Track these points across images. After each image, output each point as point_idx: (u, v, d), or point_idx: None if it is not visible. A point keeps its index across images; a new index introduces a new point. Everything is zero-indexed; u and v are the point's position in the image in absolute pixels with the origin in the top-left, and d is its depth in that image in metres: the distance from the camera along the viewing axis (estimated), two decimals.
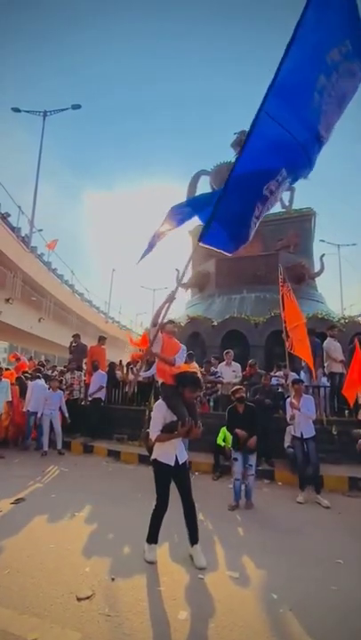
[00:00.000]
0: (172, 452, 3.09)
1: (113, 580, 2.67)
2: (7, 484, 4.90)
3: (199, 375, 3.46)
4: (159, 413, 3.09)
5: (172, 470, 3.07)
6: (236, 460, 4.49)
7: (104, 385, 7.73)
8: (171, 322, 3.72)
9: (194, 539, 3.02)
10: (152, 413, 3.21)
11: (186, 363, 3.69)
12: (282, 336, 6.63)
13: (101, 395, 7.74)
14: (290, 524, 3.93)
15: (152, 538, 3.03)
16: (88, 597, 2.42)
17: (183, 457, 3.15)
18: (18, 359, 10.26)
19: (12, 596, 2.42)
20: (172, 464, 3.05)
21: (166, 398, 3.16)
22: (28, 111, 23.27)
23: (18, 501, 4.23)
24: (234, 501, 4.34)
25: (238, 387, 5.07)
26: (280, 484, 5.40)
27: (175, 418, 3.04)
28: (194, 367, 3.21)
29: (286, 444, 5.67)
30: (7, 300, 18.45)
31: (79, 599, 2.40)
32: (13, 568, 2.77)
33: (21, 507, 4.12)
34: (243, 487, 4.42)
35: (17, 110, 23.15)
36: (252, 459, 4.47)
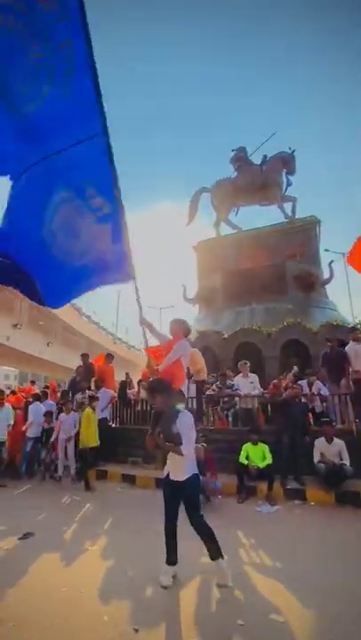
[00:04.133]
0: (167, 465, 2.94)
1: (136, 631, 2.23)
2: (16, 516, 4.48)
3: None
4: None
5: (167, 485, 2.88)
6: None
7: (110, 401, 7.45)
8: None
9: (211, 555, 2.75)
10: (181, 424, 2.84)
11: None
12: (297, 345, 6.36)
13: (106, 414, 7.42)
14: (333, 552, 3.42)
15: (168, 558, 2.85)
16: None
17: (178, 474, 2.83)
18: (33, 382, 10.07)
19: None
20: (165, 477, 2.92)
21: None
22: None
23: (26, 536, 3.80)
24: None
25: None
26: (313, 504, 4.88)
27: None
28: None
29: (316, 459, 5.16)
30: (15, 326, 18.39)
31: None
32: (20, 619, 2.35)
33: (30, 542, 3.70)
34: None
35: None
36: None
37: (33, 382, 12.89)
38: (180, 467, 2.83)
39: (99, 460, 6.45)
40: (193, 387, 6.10)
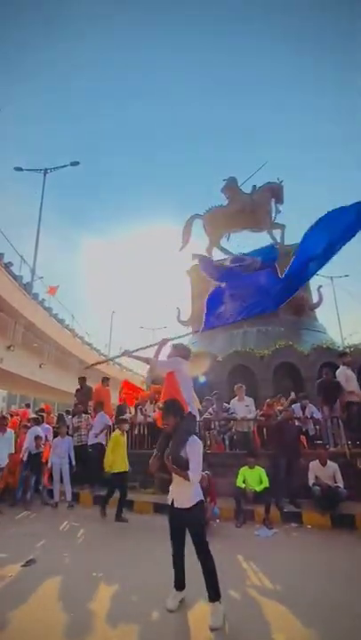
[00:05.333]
0: (170, 492, 2.96)
1: None
2: (15, 543, 4.45)
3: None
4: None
5: (172, 512, 2.90)
6: None
7: (108, 424, 7.32)
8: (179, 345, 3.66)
9: (210, 594, 2.67)
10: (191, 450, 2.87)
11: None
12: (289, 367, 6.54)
13: (101, 439, 7.25)
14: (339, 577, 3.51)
15: (175, 584, 2.90)
16: None
17: (183, 501, 2.83)
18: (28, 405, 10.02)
19: None
20: (169, 504, 2.93)
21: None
22: (29, 169, 24.64)
23: (29, 563, 3.79)
24: None
25: None
26: (309, 527, 4.95)
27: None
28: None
29: (311, 481, 5.28)
30: (8, 348, 18.26)
31: None
32: None
33: (33, 569, 3.69)
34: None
35: (19, 169, 24.49)
36: None
37: (28, 405, 12.75)
38: (186, 493, 2.84)
39: (125, 488, 5.72)
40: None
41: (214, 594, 2.66)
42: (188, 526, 2.83)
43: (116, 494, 5.67)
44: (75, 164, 24.48)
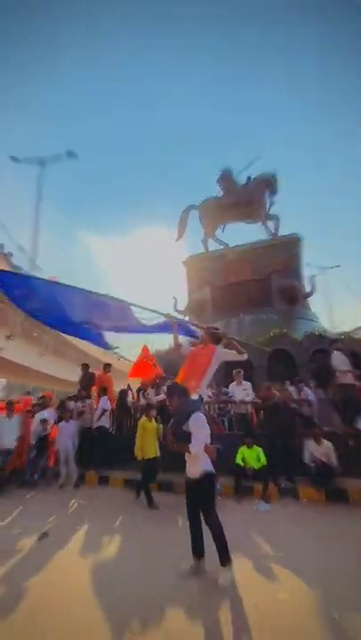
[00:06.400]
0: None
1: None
2: (28, 519, 4.57)
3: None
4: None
5: (186, 483, 3.04)
6: None
7: (107, 409, 7.44)
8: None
9: (220, 559, 2.82)
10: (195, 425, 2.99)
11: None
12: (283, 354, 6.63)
13: (104, 422, 7.42)
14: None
15: (193, 551, 3.00)
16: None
17: (193, 472, 2.98)
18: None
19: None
20: (186, 477, 3.05)
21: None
22: (25, 160, 24.14)
23: (42, 537, 3.91)
24: None
25: None
26: (305, 501, 5.14)
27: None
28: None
29: (307, 459, 5.45)
30: (8, 337, 18.20)
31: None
32: (50, 607, 2.50)
33: (46, 542, 3.81)
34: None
35: (15, 159, 23.99)
36: None
37: (29, 393, 12.80)
38: (194, 465, 2.97)
39: (155, 474, 5.58)
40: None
41: (223, 558, 2.80)
42: (197, 495, 2.95)
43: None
44: (71, 154, 24.10)
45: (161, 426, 6.10)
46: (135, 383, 8.87)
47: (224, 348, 3.61)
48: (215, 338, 3.60)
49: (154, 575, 2.96)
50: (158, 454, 5.56)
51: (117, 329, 4.56)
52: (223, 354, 3.50)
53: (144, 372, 8.42)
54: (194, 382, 3.22)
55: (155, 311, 4.20)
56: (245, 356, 3.52)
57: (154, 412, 5.93)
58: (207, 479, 2.96)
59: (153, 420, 5.78)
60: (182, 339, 3.97)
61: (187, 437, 2.92)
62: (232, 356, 3.50)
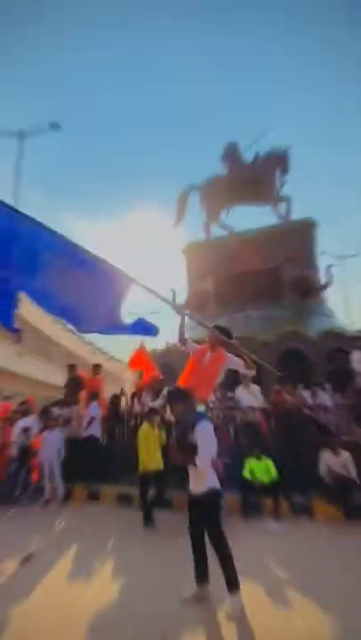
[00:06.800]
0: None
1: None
2: (11, 538, 4.60)
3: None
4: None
5: (188, 500, 3.07)
6: None
7: (95, 416, 7.47)
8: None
9: (228, 586, 2.80)
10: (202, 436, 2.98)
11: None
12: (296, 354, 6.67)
13: (94, 431, 7.44)
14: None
15: (196, 577, 2.98)
16: None
17: (196, 487, 3.00)
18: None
19: None
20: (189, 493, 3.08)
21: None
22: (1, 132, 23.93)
23: (27, 559, 3.94)
24: None
25: None
26: (320, 518, 5.19)
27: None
28: None
29: (323, 471, 5.49)
30: None
31: None
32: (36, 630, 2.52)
33: (31, 565, 3.84)
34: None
35: None
36: None
37: (7, 398, 12.78)
38: (199, 480, 2.97)
39: (163, 490, 5.42)
40: None
41: (232, 584, 2.78)
42: (202, 514, 2.96)
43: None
44: (54, 126, 23.87)
45: (164, 433, 6.07)
46: (128, 386, 8.89)
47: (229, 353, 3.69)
48: (226, 343, 3.65)
49: (153, 603, 2.98)
50: (162, 467, 5.43)
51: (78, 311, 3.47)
52: (233, 362, 3.57)
53: (145, 365, 8.51)
54: (203, 392, 3.24)
55: (161, 297, 3.69)
56: (253, 372, 3.62)
57: (157, 418, 5.83)
58: (213, 497, 2.97)
59: (156, 426, 5.68)
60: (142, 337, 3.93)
61: (192, 449, 2.91)
62: (241, 367, 3.60)
